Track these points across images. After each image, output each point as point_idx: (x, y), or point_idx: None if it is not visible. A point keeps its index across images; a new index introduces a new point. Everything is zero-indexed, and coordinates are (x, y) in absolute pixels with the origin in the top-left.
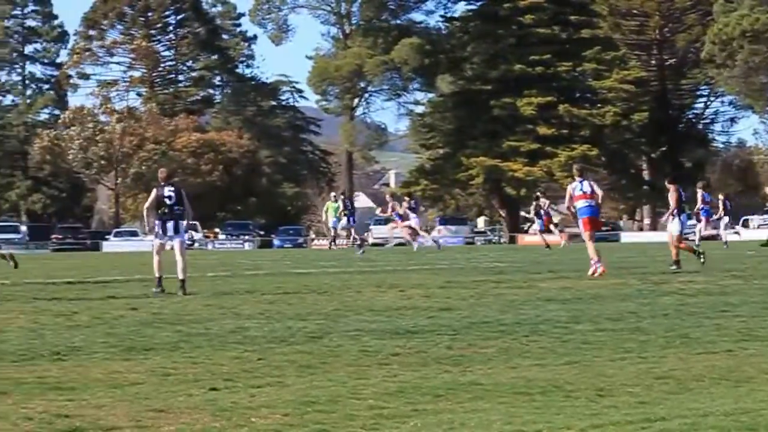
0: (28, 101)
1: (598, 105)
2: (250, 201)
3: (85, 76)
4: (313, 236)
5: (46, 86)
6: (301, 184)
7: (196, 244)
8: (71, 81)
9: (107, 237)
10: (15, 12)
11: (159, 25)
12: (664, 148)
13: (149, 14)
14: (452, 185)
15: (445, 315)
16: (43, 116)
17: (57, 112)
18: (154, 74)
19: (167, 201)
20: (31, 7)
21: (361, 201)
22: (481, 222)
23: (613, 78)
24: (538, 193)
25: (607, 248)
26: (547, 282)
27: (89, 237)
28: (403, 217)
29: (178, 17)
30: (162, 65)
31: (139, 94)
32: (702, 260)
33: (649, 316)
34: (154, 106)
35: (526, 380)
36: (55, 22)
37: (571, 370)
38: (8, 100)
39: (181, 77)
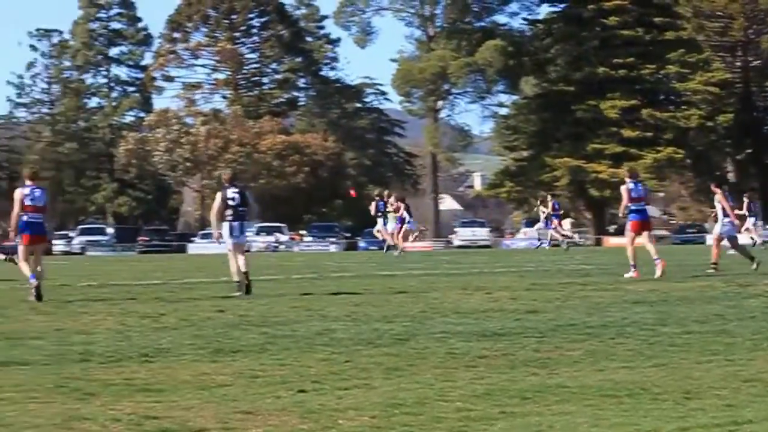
0: (114, 104)
1: (683, 107)
2: (335, 203)
3: (170, 79)
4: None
5: (131, 89)
6: (386, 186)
7: (282, 246)
8: (156, 83)
9: (193, 239)
10: (100, 15)
11: (243, 28)
12: (749, 150)
13: (233, 17)
14: (537, 187)
15: (531, 317)
16: (129, 119)
17: (142, 114)
18: (239, 76)
19: (231, 202)
20: (116, 10)
21: (447, 203)
22: (566, 224)
23: (698, 80)
24: (549, 196)
25: (692, 250)
26: (633, 284)
27: (175, 239)
28: (402, 220)
29: (262, 20)
30: (246, 68)
31: (224, 97)
32: (711, 270)
33: (736, 318)
34: (238, 108)
35: (613, 383)
36: (140, 25)
37: (658, 372)
38: (94, 102)
39: (265, 79)
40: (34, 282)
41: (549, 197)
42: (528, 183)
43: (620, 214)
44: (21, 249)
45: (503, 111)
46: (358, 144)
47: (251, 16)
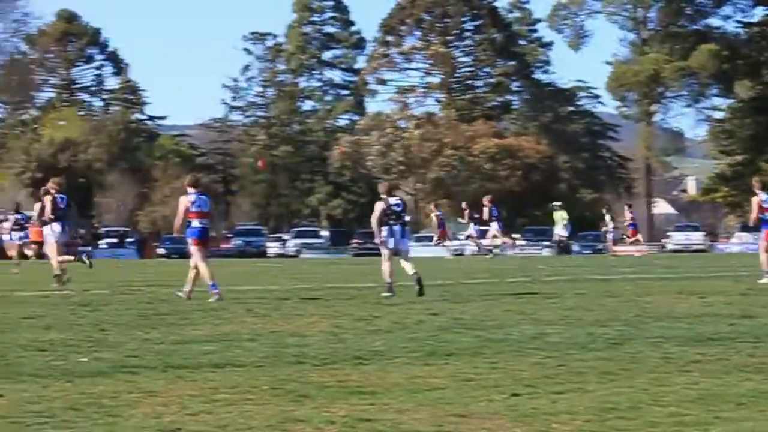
0: (328, 107)
1: None
2: (549, 207)
3: (383, 82)
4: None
5: (345, 92)
6: (600, 190)
7: (497, 250)
8: (369, 87)
9: None
10: (313, 18)
11: (456, 32)
12: None
13: (446, 21)
14: (752, 192)
15: (746, 322)
16: (342, 122)
17: (356, 117)
18: (452, 80)
19: (396, 208)
20: (329, 14)
21: (661, 207)
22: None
23: None
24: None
25: None
26: None
27: None
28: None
29: (475, 23)
30: (459, 71)
31: (437, 100)
32: None
33: None
34: (452, 111)
35: None
36: (353, 29)
37: None
38: (308, 105)
39: (478, 83)
40: (215, 291)
41: (604, 210)
42: (743, 187)
43: (750, 224)
44: (195, 251)
45: (718, 114)
46: (572, 148)
47: (464, 19)
